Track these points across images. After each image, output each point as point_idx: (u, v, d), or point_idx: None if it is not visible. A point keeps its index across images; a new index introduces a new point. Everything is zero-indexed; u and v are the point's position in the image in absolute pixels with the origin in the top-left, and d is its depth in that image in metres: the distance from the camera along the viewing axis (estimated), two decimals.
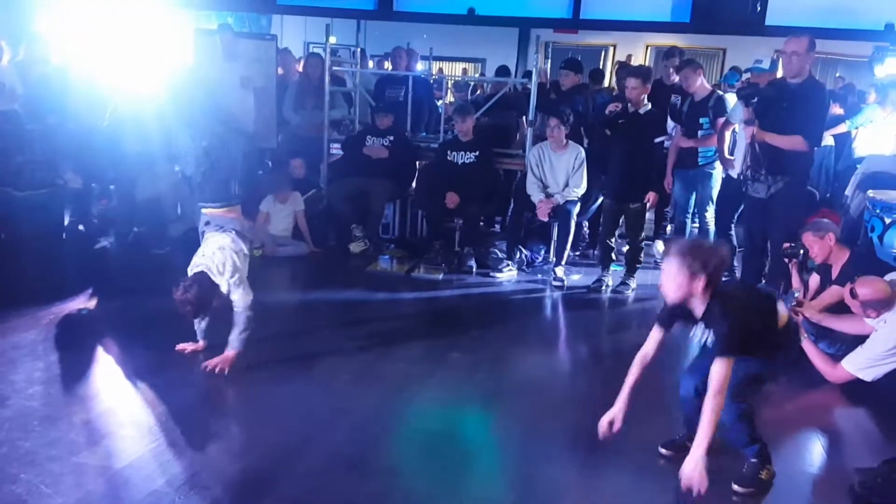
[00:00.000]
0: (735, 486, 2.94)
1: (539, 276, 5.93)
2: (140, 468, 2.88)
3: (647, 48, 12.86)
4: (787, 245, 4.67)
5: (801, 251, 4.57)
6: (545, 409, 3.63)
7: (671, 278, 2.78)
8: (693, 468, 2.67)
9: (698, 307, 2.80)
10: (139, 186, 6.03)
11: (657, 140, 5.44)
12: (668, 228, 6.97)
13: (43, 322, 4.32)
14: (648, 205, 5.48)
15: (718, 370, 2.70)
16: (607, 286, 5.64)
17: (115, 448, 3.03)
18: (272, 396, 3.58)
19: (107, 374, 3.81)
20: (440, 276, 5.73)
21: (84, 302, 4.73)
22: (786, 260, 4.69)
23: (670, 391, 3.44)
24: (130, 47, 7.27)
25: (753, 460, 2.97)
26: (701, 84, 6.03)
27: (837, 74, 11.31)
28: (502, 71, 8.04)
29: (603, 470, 3.10)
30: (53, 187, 5.82)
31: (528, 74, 7.61)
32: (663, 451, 3.18)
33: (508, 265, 5.89)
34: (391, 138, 6.43)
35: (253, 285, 5.49)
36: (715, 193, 6.11)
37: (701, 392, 2.83)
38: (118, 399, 3.51)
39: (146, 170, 6.05)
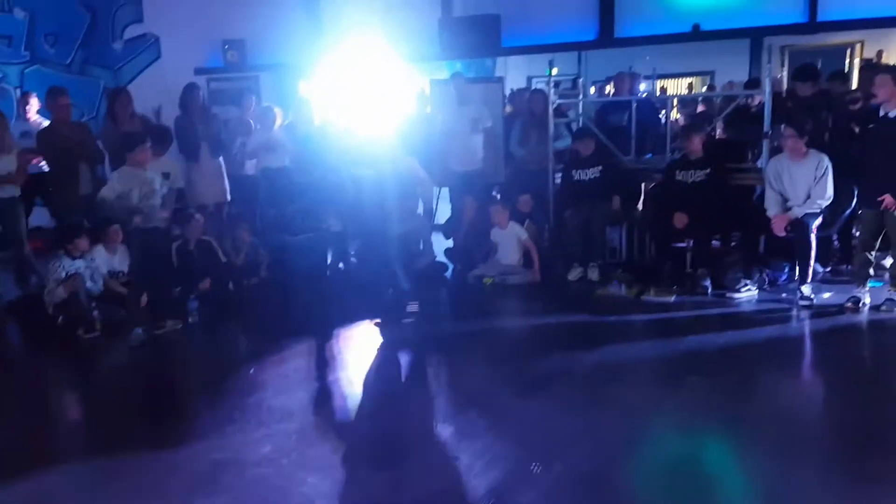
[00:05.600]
0: None
1: (783, 296, 5.61)
2: (402, 475, 3.25)
3: None
4: None
5: None
6: (798, 440, 3.43)
7: None
8: None
9: None
10: (388, 226, 6.68)
11: None
12: None
13: (317, 349, 4.99)
14: (890, 208, 4.98)
15: None
16: (864, 304, 5.20)
17: (383, 458, 3.44)
18: (513, 414, 3.83)
19: (371, 394, 4.31)
20: (672, 299, 5.66)
21: (343, 329, 5.37)
22: None
23: None
24: (375, 102, 8.12)
25: None
26: None
27: None
28: (752, 84, 7.75)
29: None
30: (318, 231, 6.67)
31: (751, 84, 7.29)
32: None
33: (747, 285, 5.65)
34: (600, 168, 6.48)
35: (486, 311, 5.75)
36: None
37: None
38: (382, 416, 3.96)
39: (392, 210, 6.68)
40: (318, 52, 8.55)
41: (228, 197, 7.27)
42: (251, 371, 4.62)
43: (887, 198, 4.99)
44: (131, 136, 5.61)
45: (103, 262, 5.83)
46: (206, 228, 6.51)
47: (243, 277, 6.55)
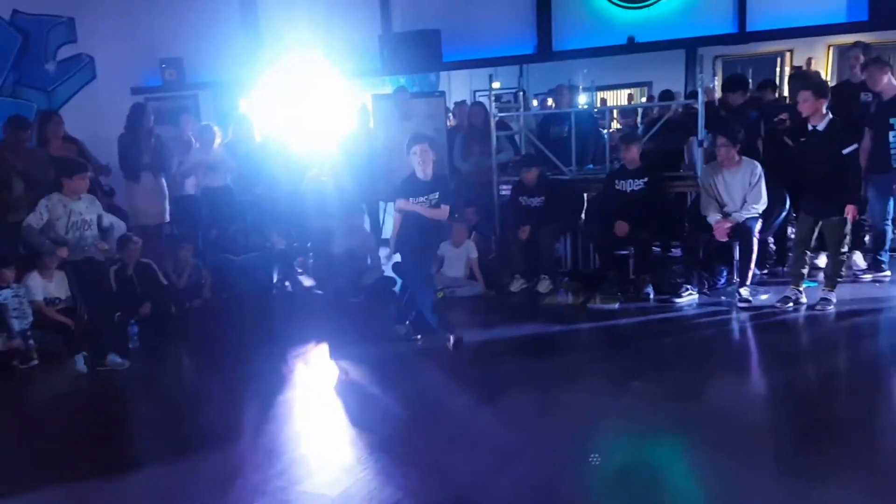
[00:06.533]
0: None
1: (723, 299, 5.75)
2: (352, 496, 3.20)
3: (828, 49, 11.99)
4: None
5: None
6: (740, 438, 3.50)
7: None
8: None
9: None
10: (334, 242, 6.65)
11: (846, 151, 5.12)
12: (867, 239, 6.47)
13: (262, 369, 4.91)
14: (851, 218, 5.17)
15: None
16: (798, 303, 5.36)
17: (329, 478, 3.38)
18: (462, 427, 3.82)
19: (318, 411, 4.27)
20: (616, 306, 5.75)
21: (292, 349, 5.29)
22: None
23: None
24: (316, 118, 8.09)
25: None
26: (888, 82, 5.66)
27: None
28: (665, 96, 7.95)
29: (818, 499, 2.96)
30: (263, 250, 6.59)
31: (694, 95, 7.47)
32: None
33: (688, 289, 5.78)
34: (542, 199, 6.54)
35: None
36: None
37: None
38: (330, 434, 3.91)
39: (340, 226, 6.66)
40: (257, 69, 8.48)
41: (168, 217, 7.14)
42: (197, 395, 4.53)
43: (850, 209, 5.11)
44: (70, 162, 5.34)
45: (39, 289, 5.63)
46: (146, 251, 6.36)
47: (186, 300, 6.42)
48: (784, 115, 5.58)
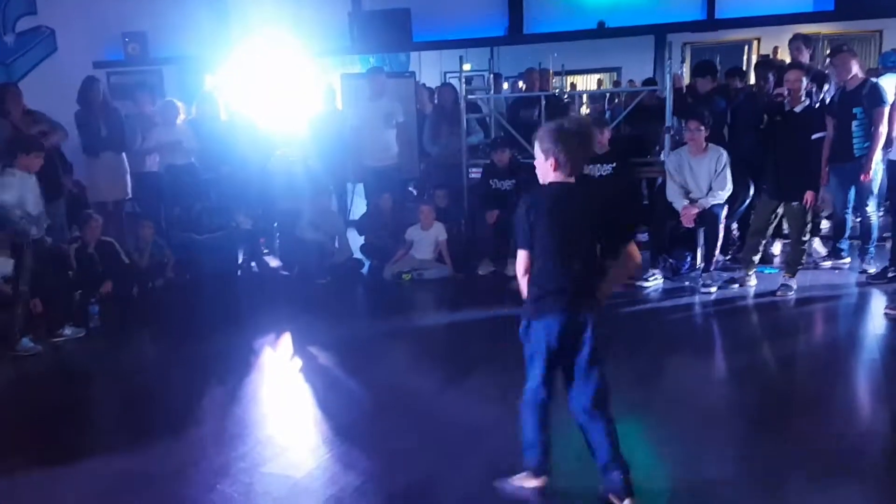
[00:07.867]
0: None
1: (686, 284, 5.83)
2: (316, 478, 3.18)
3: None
4: None
5: None
6: (701, 420, 3.56)
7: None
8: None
9: None
10: (301, 223, 6.57)
11: (815, 136, 5.23)
12: (825, 225, 6.60)
13: (227, 351, 4.85)
14: (807, 205, 5.27)
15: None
16: (744, 285, 5.51)
17: (294, 460, 3.36)
18: (428, 410, 3.81)
19: (284, 394, 4.24)
20: None
21: (257, 331, 5.24)
22: None
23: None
24: (283, 97, 7.97)
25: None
26: (856, 72, 5.73)
27: None
28: (649, 83, 7.98)
29: (774, 479, 3.02)
30: (228, 229, 6.49)
31: (648, 82, 7.49)
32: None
33: (653, 274, 5.84)
34: (514, 182, 6.53)
35: (402, 306, 5.71)
36: (876, 186, 5.77)
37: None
38: (295, 416, 3.89)
39: (307, 207, 6.59)
40: (224, 44, 8.31)
41: (130, 193, 7.00)
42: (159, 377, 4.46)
43: (809, 195, 5.24)
44: (30, 140, 5.19)
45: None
46: (107, 228, 6.22)
47: (148, 279, 6.31)
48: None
